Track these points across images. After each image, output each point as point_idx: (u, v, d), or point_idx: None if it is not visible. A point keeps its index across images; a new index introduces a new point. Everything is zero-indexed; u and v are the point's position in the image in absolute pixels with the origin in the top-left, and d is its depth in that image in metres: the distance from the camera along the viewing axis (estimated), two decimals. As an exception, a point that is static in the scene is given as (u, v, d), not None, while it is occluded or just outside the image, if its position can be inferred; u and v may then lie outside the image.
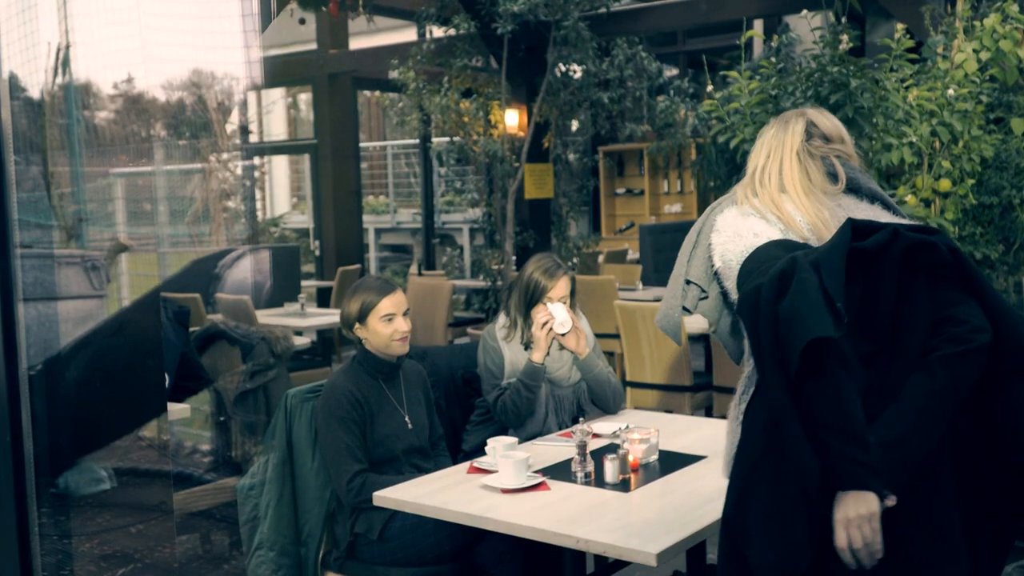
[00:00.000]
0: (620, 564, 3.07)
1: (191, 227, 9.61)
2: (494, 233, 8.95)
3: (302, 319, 6.63)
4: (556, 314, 3.29)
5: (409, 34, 11.69)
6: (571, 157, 10.55)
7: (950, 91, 4.27)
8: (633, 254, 11.07)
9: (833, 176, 2.16)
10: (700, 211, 11.50)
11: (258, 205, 13.30)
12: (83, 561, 4.16)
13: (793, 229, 2.05)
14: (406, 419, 3.06)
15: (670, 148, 11.07)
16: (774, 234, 2.05)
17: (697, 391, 5.44)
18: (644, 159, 12.79)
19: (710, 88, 4.62)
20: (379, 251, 14.73)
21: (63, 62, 4.44)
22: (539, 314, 3.31)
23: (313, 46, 10.90)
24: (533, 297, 3.36)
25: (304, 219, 14.66)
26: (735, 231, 2.11)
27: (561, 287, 3.35)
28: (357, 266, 9.95)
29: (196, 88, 9.53)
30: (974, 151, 4.53)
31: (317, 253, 10.76)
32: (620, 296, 7.06)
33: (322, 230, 10.66)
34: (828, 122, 2.24)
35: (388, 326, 2.99)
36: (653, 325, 5.61)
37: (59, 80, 4.28)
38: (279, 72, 11.13)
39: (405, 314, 3.02)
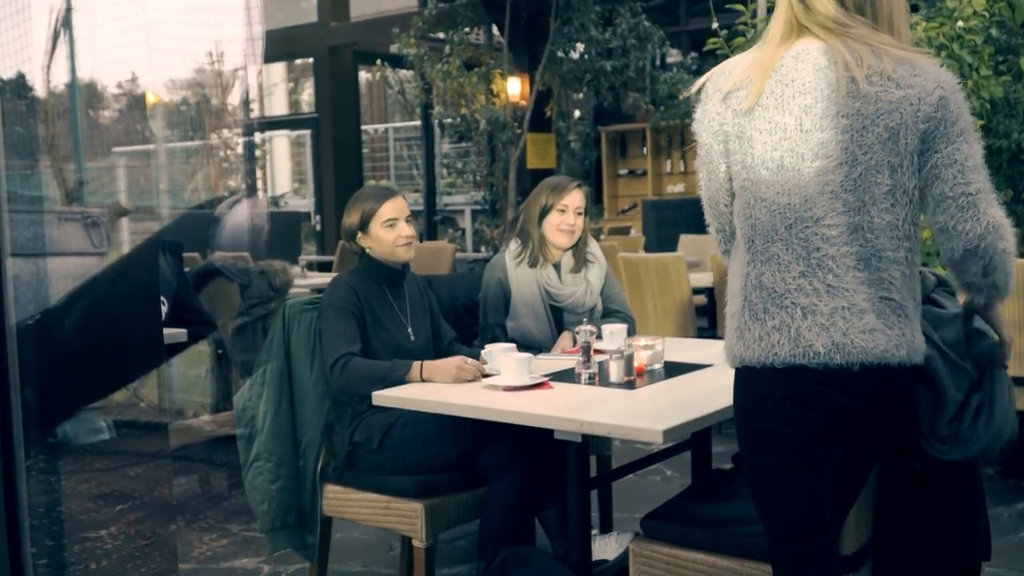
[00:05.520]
0: (622, 472, 3.01)
1: (191, 202, 9.57)
2: (496, 202, 8.90)
3: (303, 279, 6.62)
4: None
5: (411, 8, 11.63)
6: (572, 138, 10.48)
7: (959, 24, 4.21)
8: (636, 233, 11.00)
9: None
10: (703, 190, 11.52)
11: (259, 185, 13.24)
12: (81, 500, 4.12)
13: None
14: (409, 330, 2.99)
15: (673, 118, 10.98)
16: None
17: (701, 343, 5.37)
18: (647, 139, 12.72)
19: (715, 25, 4.56)
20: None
21: (64, 24, 4.40)
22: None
23: (314, 19, 10.86)
24: (545, 209, 3.29)
25: (305, 203, 14.61)
26: None
27: (576, 197, 3.28)
28: (358, 240, 9.88)
29: (199, 66, 9.49)
30: (984, 90, 4.47)
31: (318, 228, 10.70)
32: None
33: (323, 204, 10.61)
34: None
35: (391, 231, 2.93)
36: (657, 278, 5.55)
37: (61, 50, 4.25)
38: (280, 45, 11.08)
39: (407, 220, 2.96)
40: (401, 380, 2.73)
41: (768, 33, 1.87)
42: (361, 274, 2.97)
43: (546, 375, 2.74)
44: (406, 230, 2.95)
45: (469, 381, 2.70)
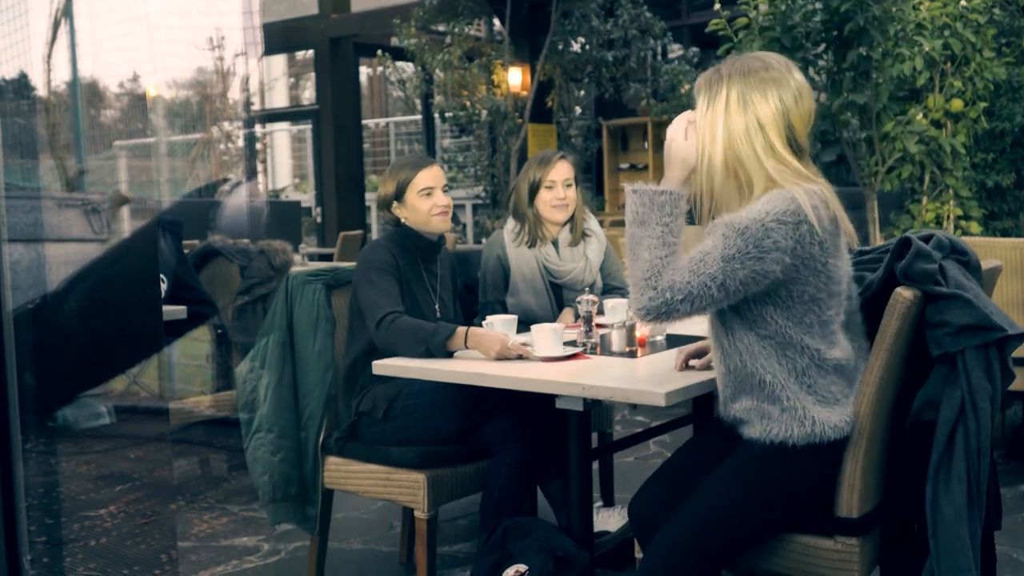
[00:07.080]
0: (624, 443, 2.99)
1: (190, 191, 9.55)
2: (496, 194, 8.88)
3: (302, 268, 6.60)
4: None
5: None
6: (573, 133, 10.45)
7: (962, 3, 4.19)
8: (637, 227, 10.97)
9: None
10: (704, 183, 11.45)
11: (259, 179, 13.23)
12: (81, 480, 4.11)
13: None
14: (436, 306, 2.97)
15: (675, 111, 10.96)
16: None
17: (703, 327, 5.36)
18: (648, 133, 12.71)
19: (717, 6, 4.55)
20: (382, 228, 14.64)
21: (64, 14, 4.39)
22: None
23: (315, 11, 10.84)
24: (533, 187, 3.27)
25: (305, 197, 14.59)
26: None
27: (561, 169, 3.26)
28: (359, 232, 9.87)
29: (199, 59, 9.47)
30: (987, 71, 4.45)
31: (319, 220, 10.68)
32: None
33: (323, 197, 10.59)
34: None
35: (427, 200, 2.89)
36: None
37: (62, 40, 4.24)
38: (281, 38, 11.07)
39: (444, 189, 2.93)
40: (443, 343, 2.59)
41: (790, 169, 2.03)
42: (398, 242, 2.93)
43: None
44: (442, 199, 2.91)
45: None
